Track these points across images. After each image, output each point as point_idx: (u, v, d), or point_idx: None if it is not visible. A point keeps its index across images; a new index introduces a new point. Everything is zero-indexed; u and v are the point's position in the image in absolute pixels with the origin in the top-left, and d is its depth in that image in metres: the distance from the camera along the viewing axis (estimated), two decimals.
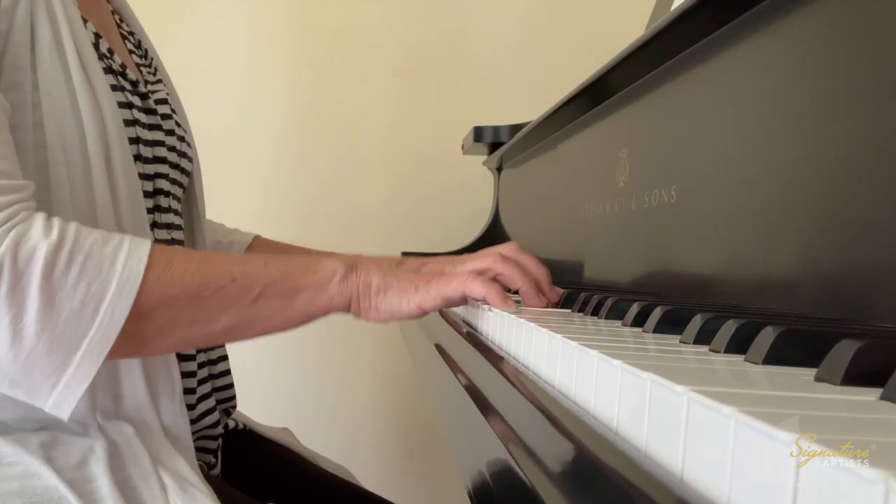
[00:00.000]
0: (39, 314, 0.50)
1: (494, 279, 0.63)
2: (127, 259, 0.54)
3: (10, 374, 0.52)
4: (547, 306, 0.67)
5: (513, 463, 0.36)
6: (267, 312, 0.59)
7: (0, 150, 0.54)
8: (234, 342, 0.64)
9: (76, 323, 0.52)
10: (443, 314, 0.81)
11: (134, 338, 0.55)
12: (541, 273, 0.67)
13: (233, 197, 1.72)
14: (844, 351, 0.30)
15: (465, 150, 1.54)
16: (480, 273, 0.63)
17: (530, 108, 1.32)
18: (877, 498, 0.16)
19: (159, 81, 0.79)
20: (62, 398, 0.53)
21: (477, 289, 0.61)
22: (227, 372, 0.84)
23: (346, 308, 0.62)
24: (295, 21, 1.84)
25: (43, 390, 0.53)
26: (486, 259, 0.64)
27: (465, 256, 0.66)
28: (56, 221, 0.54)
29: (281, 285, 0.59)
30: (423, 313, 0.63)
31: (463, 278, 0.61)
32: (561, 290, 0.70)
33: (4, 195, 0.53)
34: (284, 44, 1.84)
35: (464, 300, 0.63)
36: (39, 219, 0.53)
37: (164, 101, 0.76)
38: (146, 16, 0.85)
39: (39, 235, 0.52)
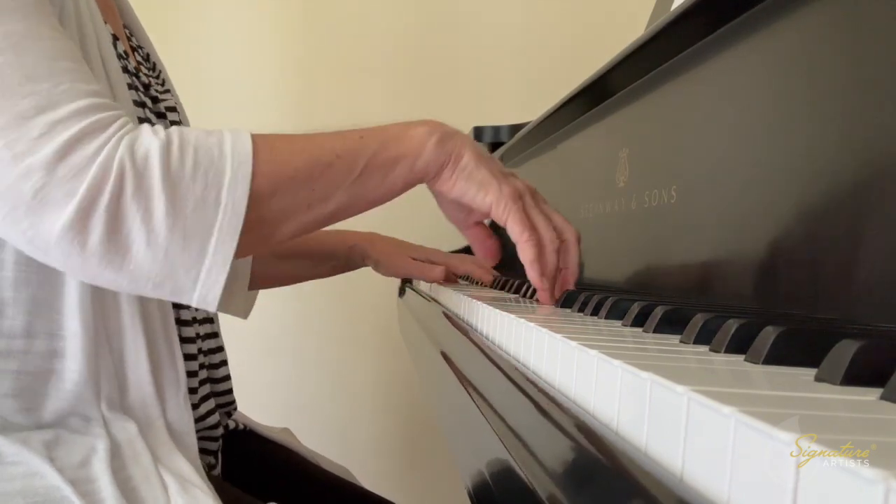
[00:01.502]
0: (167, 208, 0.52)
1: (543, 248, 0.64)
2: (233, 145, 0.55)
3: (153, 273, 0.53)
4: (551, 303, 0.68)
5: (513, 463, 0.36)
6: (372, 185, 0.60)
7: (89, 75, 0.56)
8: (346, 218, 0.65)
9: (203, 211, 0.53)
10: (443, 314, 0.81)
11: (259, 225, 0.56)
12: (574, 271, 0.68)
13: None
14: (844, 351, 0.30)
15: None
16: (540, 235, 0.63)
17: (530, 108, 1.32)
18: (877, 498, 0.16)
19: (167, 91, 0.80)
20: (207, 288, 0.54)
21: (528, 252, 0.62)
22: (227, 377, 0.84)
23: (440, 173, 0.62)
24: (294, 21, 1.84)
25: (187, 283, 0.54)
26: (551, 232, 0.64)
27: (542, 199, 0.67)
28: (159, 127, 0.55)
29: (381, 156, 0.60)
30: (484, 215, 0.64)
31: (529, 232, 0.62)
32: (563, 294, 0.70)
33: (110, 110, 0.54)
34: (283, 44, 1.84)
35: (497, 244, 0.66)
36: (145, 126, 0.55)
37: (173, 109, 0.77)
38: (146, 16, 0.85)
39: (150, 137, 0.53)
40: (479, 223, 0.71)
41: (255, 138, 0.56)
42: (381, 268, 1.00)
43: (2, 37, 0.52)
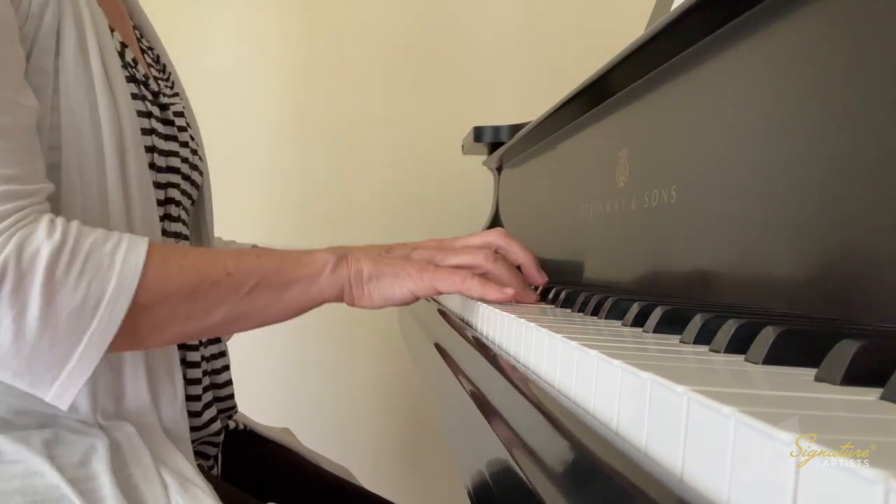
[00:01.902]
0: (42, 312, 0.53)
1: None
2: (125, 257, 0.56)
3: (14, 366, 0.54)
4: (537, 296, 0.69)
5: (513, 463, 0.36)
6: (261, 304, 0.61)
7: (15, 155, 0.56)
8: (230, 333, 0.66)
9: (77, 320, 0.54)
10: (443, 314, 0.81)
11: (132, 332, 0.57)
12: (528, 259, 0.70)
13: (232, 197, 1.72)
14: (844, 351, 0.30)
15: (465, 150, 1.54)
16: (471, 268, 0.65)
17: (530, 108, 1.32)
18: (877, 498, 0.16)
19: (176, 95, 0.79)
20: (63, 390, 0.55)
21: (475, 290, 0.63)
22: (229, 382, 0.84)
23: (340, 297, 0.64)
24: (294, 21, 1.84)
25: (45, 381, 0.55)
26: (478, 256, 0.66)
27: (454, 242, 0.68)
28: (59, 222, 0.55)
29: (274, 278, 0.61)
30: (416, 299, 0.65)
31: (459, 277, 0.63)
32: (545, 279, 0.72)
33: (16, 200, 0.54)
34: (284, 44, 1.84)
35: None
36: (44, 220, 0.55)
37: (180, 114, 0.77)
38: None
39: (43, 237, 0.54)
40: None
41: (151, 250, 0.57)
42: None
43: None
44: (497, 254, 0.67)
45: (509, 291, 0.64)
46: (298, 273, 0.62)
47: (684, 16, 0.67)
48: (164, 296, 0.57)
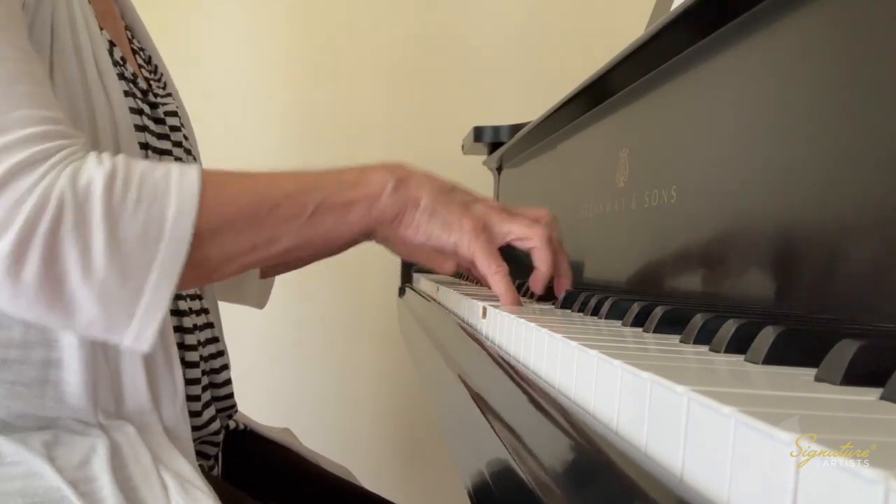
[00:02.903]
0: (107, 241, 0.50)
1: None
2: (179, 180, 0.54)
3: (87, 309, 0.51)
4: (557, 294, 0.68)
5: (513, 463, 0.36)
6: (324, 228, 0.59)
7: (49, 100, 0.55)
8: (298, 262, 0.63)
9: (143, 247, 0.51)
10: (443, 314, 0.81)
11: (201, 263, 0.55)
12: (565, 263, 0.69)
13: None
14: (844, 351, 0.30)
15: (465, 150, 1.54)
16: (521, 239, 0.64)
17: (530, 108, 1.32)
18: (877, 498, 0.16)
19: (168, 95, 0.79)
20: (141, 327, 0.52)
21: (499, 286, 0.63)
22: (228, 381, 0.84)
23: (395, 219, 0.61)
24: (294, 21, 1.84)
25: (121, 321, 0.52)
26: (532, 229, 0.64)
27: (515, 212, 0.66)
28: (105, 155, 0.54)
29: (335, 199, 0.59)
30: (454, 254, 0.63)
31: (496, 266, 0.62)
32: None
33: (61, 139, 0.53)
34: (284, 44, 1.84)
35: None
36: (92, 154, 0.53)
37: (173, 114, 0.77)
38: (145, 15, 0.85)
39: (94, 166, 0.52)
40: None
41: (204, 174, 0.55)
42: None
43: None
44: (552, 242, 0.66)
45: (520, 304, 0.64)
46: (358, 193, 0.60)
47: (684, 16, 0.67)
48: (225, 220, 0.55)
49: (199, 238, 0.53)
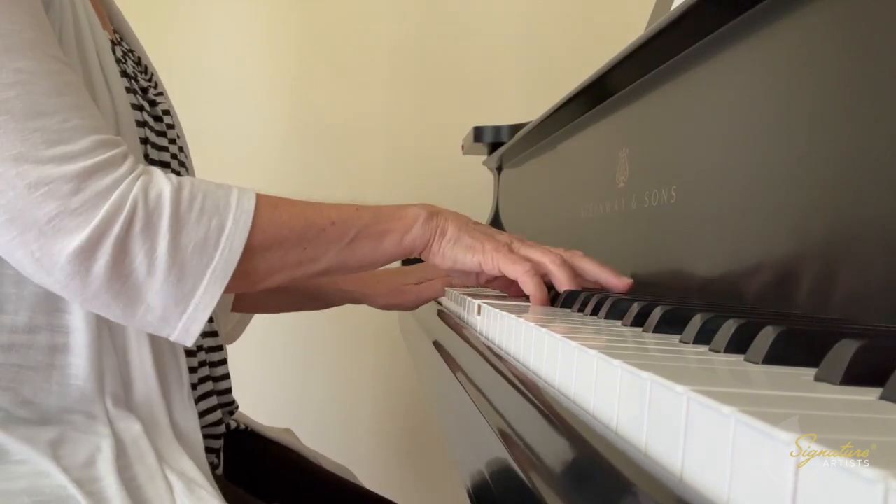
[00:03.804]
0: (170, 246, 0.57)
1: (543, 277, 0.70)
2: (239, 199, 0.60)
3: (146, 303, 0.57)
4: (627, 287, 0.70)
5: (513, 463, 0.36)
6: (361, 253, 0.66)
7: (93, 110, 0.60)
8: (332, 277, 0.72)
9: (201, 253, 0.58)
10: (442, 314, 0.81)
11: (248, 274, 0.61)
12: (604, 274, 0.72)
13: None
14: (844, 351, 0.30)
15: (465, 150, 1.54)
16: (538, 266, 0.69)
17: (530, 108, 1.32)
18: (877, 498, 0.16)
19: (160, 94, 0.80)
20: (190, 322, 0.59)
21: (529, 285, 0.68)
22: (227, 376, 0.84)
23: (424, 249, 0.69)
24: (295, 22, 1.84)
25: (173, 316, 0.58)
26: (546, 256, 0.70)
27: (531, 243, 0.72)
28: (169, 172, 0.61)
29: (373, 228, 0.67)
30: (481, 270, 0.70)
31: (523, 268, 0.68)
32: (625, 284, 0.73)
33: (117, 146, 0.58)
34: (284, 44, 1.84)
35: (513, 282, 0.70)
36: (158, 169, 0.60)
37: (167, 112, 0.78)
38: (146, 15, 0.85)
39: (163, 181, 0.58)
40: (497, 277, 0.73)
41: (260, 197, 0.62)
42: (384, 307, 0.99)
43: (14, 72, 0.55)
44: (566, 262, 0.70)
45: (549, 304, 0.68)
46: (393, 224, 0.68)
47: (684, 16, 0.67)
48: (276, 239, 0.62)
49: (250, 251, 0.60)
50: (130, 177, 0.57)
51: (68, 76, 0.58)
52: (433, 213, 0.69)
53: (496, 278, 0.75)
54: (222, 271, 0.58)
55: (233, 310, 0.95)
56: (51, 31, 0.60)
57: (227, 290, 0.59)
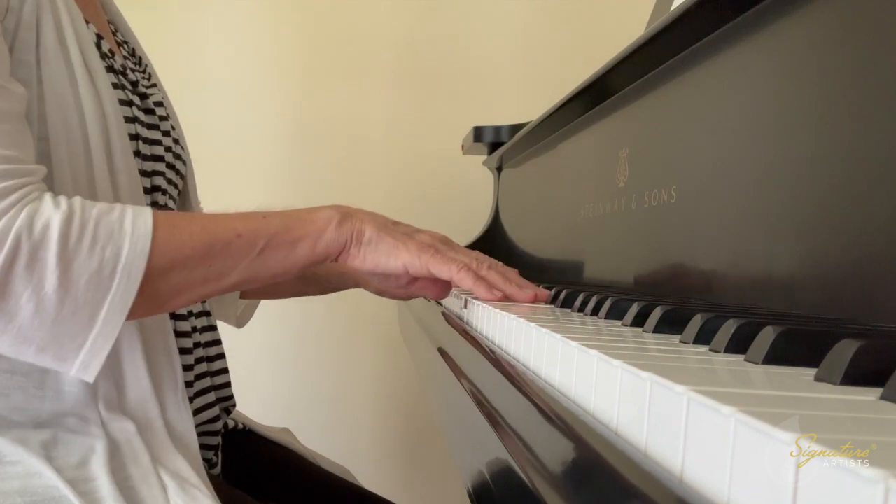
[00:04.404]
0: (60, 281, 0.53)
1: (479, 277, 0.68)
2: (134, 222, 0.56)
3: (37, 340, 0.54)
4: (534, 301, 0.69)
5: (513, 463, 0.36)
6: (272, 263, 0.63)
7: (12, 137, 0.57)
8: (244, 290, 0.66)
9: (96, 286, 0.54)
10: (443, 315, 0.81)
11: (152, 297, 0.58)
12: (514, 275, 0.71)
13: (233, 198, 1.72)
14: (844, 351, 0.30)
15: (465, 150, 1.54)
16: (467, 267, 0.67)
17: (530, 108, 1.32)
18: (877, 498, 0.16)
19: (154, 86, 0.79)
20: (89, 357, 0.55)
21: (466, 281, 0.66)
22: (225, 370, 0.84)
23: (341, 252, 0.65)
24: (295, 22, 1.84)
25: (70, 352, 0.55)
26: (475, 260, 0.68)
27: (454, 244, 0.70)
28: (61, 198, 0.56)
29: (283, 236, 0.63)
30: (406, 274, 0.67)
31: (456, 266, 0.66)
32: (546, 291, 0.72)
33: (16, 178, 0.55)
34: (285, 44, 1.84)
35: (436, 283, 0.68)
36: (48, 195, 0.56)
37: (159, 104, 0.77)
38: (145, 15, 0.85)
39: (51, 209, 0.54)
40: (416, 279, 0.72)
41: (157, 216, 0.58)
42: (377, 292, 0.96)
43: None
44: (491, 267, 0.69)
45: (497, 293, 0.67)
46: (305, 230, 0.64)
47: (684, 16, 0.67)
48: (178, 260, 0.58)
49: (151, 275, 0.56)
50: (16, 207, 0.53)
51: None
52: (346, 214, 0.65)
53: (417, 280, 0.72)
54: (121, 300, 0.55)
55: (240, 297, 0.94)
56: None
57: (130, 317, 0.56)
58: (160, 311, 0.63)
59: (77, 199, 0.56)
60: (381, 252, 0.65)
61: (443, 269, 0.65)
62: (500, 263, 0.72)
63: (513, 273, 0.72)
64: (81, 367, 0.56)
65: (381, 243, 0.65)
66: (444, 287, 0.74)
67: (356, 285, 0.97)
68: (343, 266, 0.92)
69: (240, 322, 0.97)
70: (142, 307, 0.57)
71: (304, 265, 0.64)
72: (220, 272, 0.60)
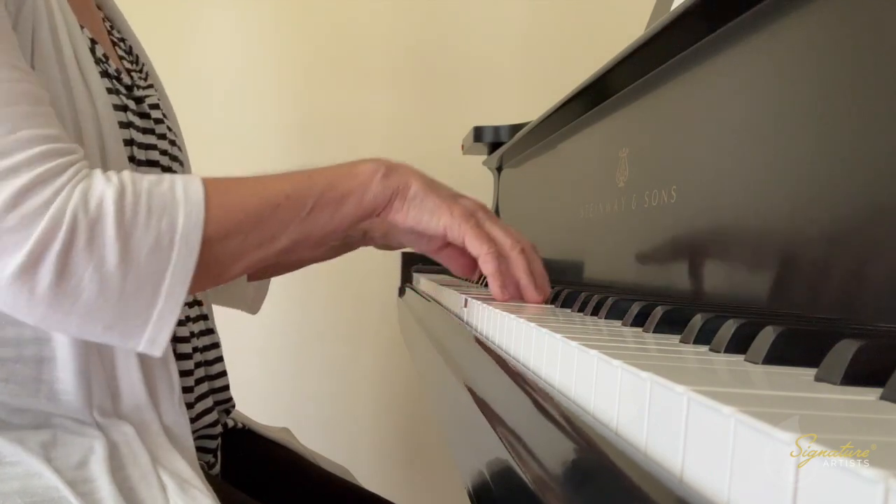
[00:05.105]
0: (121, 256, 0.53)
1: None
2: (185, 191, 0.56)
3: (104, 318, 0.54)
4: (541, 302, 0.68)
5: (513, 463, 0.36)
6: (322, 222, 0.62)
7: (48, 118, 0.57)
8: (297, 255, 0.67)
9: (156, 257, 0.54)
10: (443, 313, 0.81)
11: (211, 266, 0.57)
12: (539, 266, 0.70)
13: None
14: (844, 351, 0.30)
15: (465, 150, 1.54)
16: (499, 247, 0.65)
17: (530, 108, 1.32)
18: (877, 498, 0.16)
19: (150, 86, 0.79)
20: (156, 332, 0.55)
21: (488, 267, 0.65)
22: (224, 373, 0.84)
23: (385, 207, 0.64)
24: (295, 21, 1.84)
25: (137, 327, 0.55)
26: (512, 240, 0.66)
27: (494, 216, 0.68)
28: (111, 172, 0.56)
29: (329, 194, 0.62)
30: (443, 237, 0.65)
31: (487, 247, 0.64)
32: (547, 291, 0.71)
33: (63, 156, 0.55)
34: (285, 44, 1.84)
35: (473, 259, 0.66)
36: (97, 171, 0.56)
37: (155, 106, 0.76)
38: (145, 15, 0.85)
39: (102, 184, 0.54)
40: (448, 244, 0.70)
41: (207, 183, 0.57)
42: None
43: None
44: (526, 252, 0.68)
45: (507, 294, 0.66)
46: (349, 185, 0.62)
47: (684, 16, 0.67)
48: (231, 225, 0.58)
49: (209, 243, 0.56)
50: (68, 186, 0.53)
51: (25, 85, 0.56)
52: (391, 167, 0.64)
53: (447, 246, 0.71)
54: (182, 270, 0.55)
55: (248, 280, 0.92)
56: (11, 38, 0.58)
57: (192, 289, 0.56)
58: (220, 281, 0.62)
59: (126, 173, 0.56)
60: (425, 209, 0.64)
61: (475, 245, 0.64)
62: (534, 248, 0.70)
63: (538, 264, 0.70)
64: (148, 342, 0.55)
65: (427, 200, 0.64)
66: (470, 264, 0.71)
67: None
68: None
69: (253, 308, 0.95)
70: (203, 277, 0.57)
71: (353, 222, 0.63)
72: (273, 235, 0.60)
